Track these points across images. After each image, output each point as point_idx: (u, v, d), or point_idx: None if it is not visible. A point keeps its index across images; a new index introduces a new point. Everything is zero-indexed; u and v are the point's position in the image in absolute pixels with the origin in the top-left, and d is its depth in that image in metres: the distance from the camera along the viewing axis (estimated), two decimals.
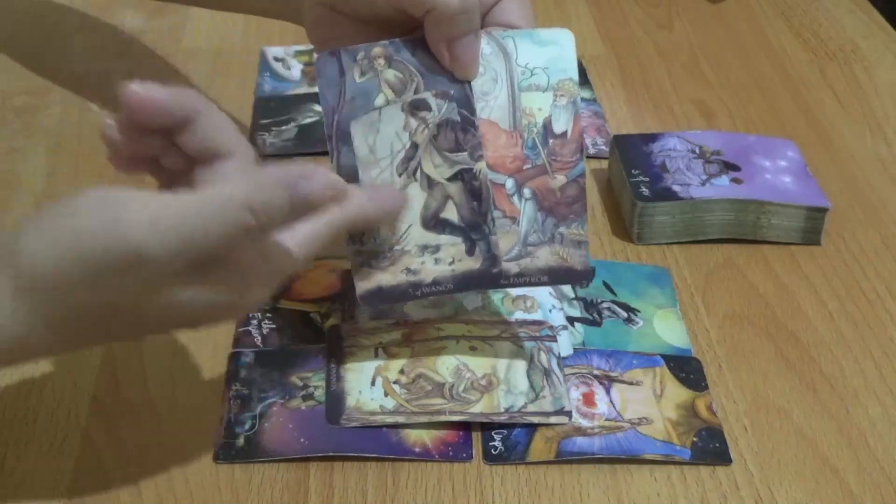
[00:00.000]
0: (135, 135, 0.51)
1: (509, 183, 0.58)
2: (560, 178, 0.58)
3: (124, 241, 0.44)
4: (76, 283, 0.45)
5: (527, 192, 0.58)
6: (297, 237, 0.51)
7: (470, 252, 0.58)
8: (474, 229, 0.58)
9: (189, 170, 0.52)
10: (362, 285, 0.57)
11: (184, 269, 0.47)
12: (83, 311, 0.47)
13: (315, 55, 0.59)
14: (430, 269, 0.58)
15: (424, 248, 0.58)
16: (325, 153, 0.57)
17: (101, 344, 0.51)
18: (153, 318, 0.49)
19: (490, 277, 0.58)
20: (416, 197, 0.57)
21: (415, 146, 0.57)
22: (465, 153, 0.57)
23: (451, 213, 0.58)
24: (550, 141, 0.58)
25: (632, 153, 0.77)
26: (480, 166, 0.57)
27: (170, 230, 0.45)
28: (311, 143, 0.82)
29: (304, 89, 0.89)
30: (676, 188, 0.74)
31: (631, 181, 0.74)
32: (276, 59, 0.93)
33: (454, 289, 0.58)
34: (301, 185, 0.47)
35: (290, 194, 0.47)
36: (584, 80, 0.92)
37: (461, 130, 0.57)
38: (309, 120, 0.85)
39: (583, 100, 0.90)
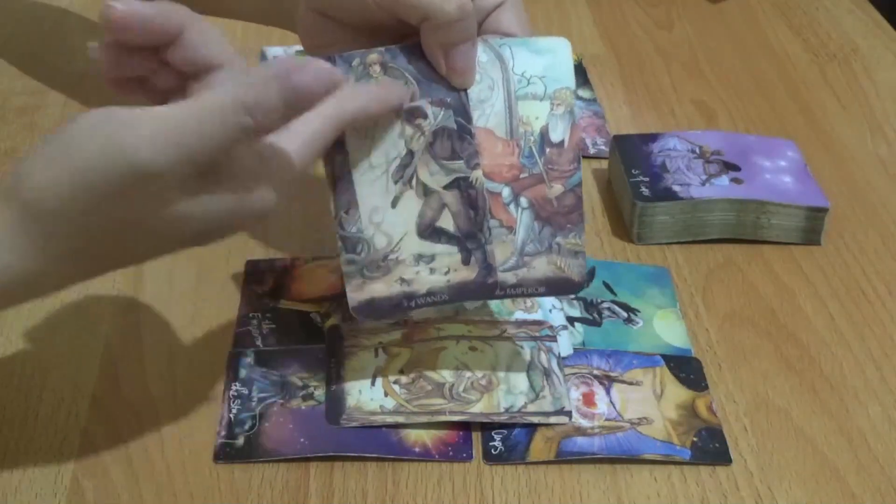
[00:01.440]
0: (123, 55, 0.50)
1: (506, 192, 0.58)
2: (557, 188, 0.58)
3: (125, 160, 0.44)
4: (83, 207, 0.45)
5: (523, 201, 0.58)
6: (296, 135, 0.51)
7: (466, 262, 0.58)
8: (470, 238, 0.57)
9: (182, 87, 0.51)
10: (355, 296, 0.57)
11: (187, 179, 0.46)
12: (94, 235, 0.47)
13: None
14: (425, 280, 0.57)
15: (419, 258, 0.57)
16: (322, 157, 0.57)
17: (117, 268, 0.51)
18: (163, 234, 0.48)
19: (486, 288, 0.58)
20: (412, 205, 0.57)
21: (410, 154, 0.57)
22: (462, 161, 0.57)
23: (446, 222, 0.57)
24: (547, 150, 0.58)
25: (632, 153, 0.77)
26: (477, 175, 0.57)
27: (169, 142, 0.45)
28: None
29: None
30: (676, 188, 0.74)
31: (631, 181, 0.74)
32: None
33: (449, 300, 0.58)
34: (293, 78, 0.47)
35: (284, 87, 0.46)
36: (584, 80, 0.93)
37: (457, 138, 0.57)
38: None
39: (583, 100, 0.90)
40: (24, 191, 0.46)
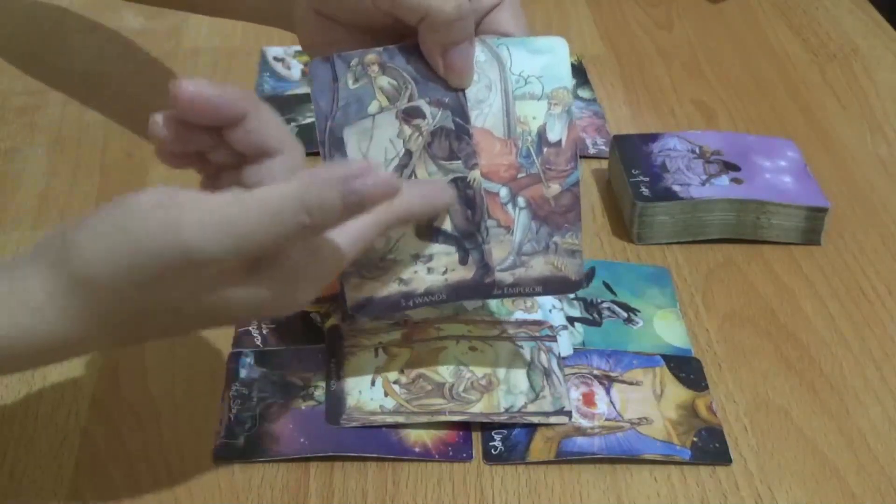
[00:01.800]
0: (183, 131, 0.51)
1: (503, 191, 0.58)
2: (554, 187, 0.58)
3: (181, 244, 0.45)
4: (130, 284, 0.46)
5: (521, 200, 0.58)
6: (347, 235, 0.51)
7: (463, 261, 0.58)
8: (468, 238, 0.58)
9: (236, 165, 0.52)
10: (353, 296, 0.57)
11: (237, 268, 0.47)
12: (137, 310, 0.47)
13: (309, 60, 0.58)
14: (423, 279, 0.57)
15: (417, 258, 0.57)
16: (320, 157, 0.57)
17: (150, 340, 0.52)
18: (203, 316, 0.49)
19: (483, 287, 0.58)
20: None
21: (409, 153, 0.57)
22: (460, 161, 0.57)
23: (444, 222, 0.57)
24: (545, 149, 0.58)
25: (632, 153, 0.77)
26: (475, 175, 0.57)
27: (226, 232, 0.45)
28: (312, 144, 0.81)
29: (304, 89, 0.89)
30: (676, 188, 0.74)
31: (631, 181, 0.74)
32: (276, 59, 0.93)
33: (446, 299, 0.58)
34: (356, 184, 0.47)
35: (345, 191, 0.47)
36: (583, 80, 0.93)
37: (455, 138, 0.57)
38: (309, 120, 0.85)
39: (583, 100, 0.90)
40: (75, 260, 0.46)
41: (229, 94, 0.50)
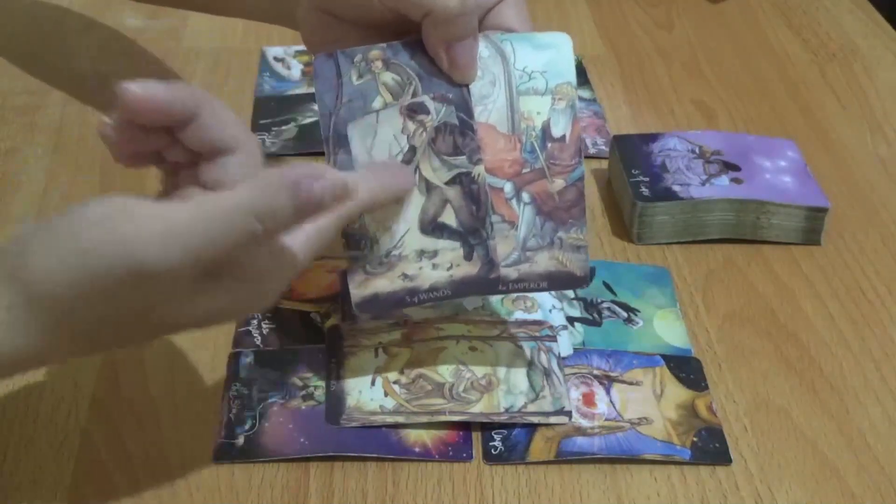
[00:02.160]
0: (135, 133, 0.50)
1: (508, 187, 0.58)
2: (559, 182, 0.58)
3: (131, 258, 0.44)
4: (85, 297, 0.45)
5: (525, 196, 0.58)
6: (304, 235, 0.51)
7: (468, 257, 0.58)
8: (473, 234, 0.58)
9: (193, 162, 0.51)
10: (358, 292, 0.57)
11: (192, 278, 0.47)
12: (94, 321, 0.47)
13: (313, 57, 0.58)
14: (428, 275, 0.57)
15: (422, 254, 0.57)
16: (324, 154, 0.57)
17: (115, 348, 0.51)
18: (165, 324, 0.49)
19: (488, 283, 0.58)
20: (414, 201, 0.57)
21: (413, 149, 0.57)
22: (464, 157, 0.57)
23: (449, 218, 0.57)
24: (549, 145, 0.58)
25: (632, 153, 0.77)
26: (479, 170, 0.57)
27: (176, 243, 0.45)
28: (311, 143, 0.82)
29: (303, 89, 0.89)
30: (676, 188, 0.74)
31: (631, 181, 0.74)
32: (276, 59, 0.93)
33: (452, 295, 0.58)
34: (307, 187, 0.47)
35: (295, 197, 0.47)
36: (583, 79, 0.92)
37: (459, 134, 0.57)
38: (309, 120, 0.85)
39: (582, 100, 0.90)
40: (28, 272, 0.45)
41: (178, 93, 0.49)
